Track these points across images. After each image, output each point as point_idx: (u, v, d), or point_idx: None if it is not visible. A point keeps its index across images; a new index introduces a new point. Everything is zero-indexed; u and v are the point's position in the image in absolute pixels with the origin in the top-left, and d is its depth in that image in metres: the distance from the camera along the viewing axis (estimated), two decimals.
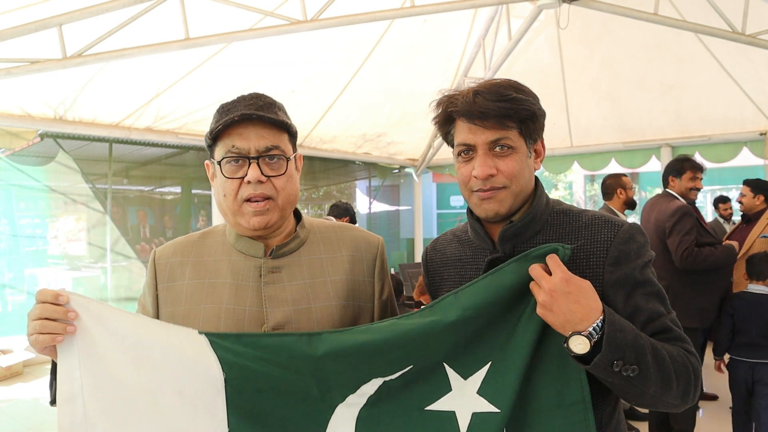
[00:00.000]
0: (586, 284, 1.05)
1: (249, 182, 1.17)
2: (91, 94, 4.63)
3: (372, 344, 1.13)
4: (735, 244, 3.72)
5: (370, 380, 1.15)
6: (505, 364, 1.13)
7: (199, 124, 5.56)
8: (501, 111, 1.14)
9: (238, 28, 3.88)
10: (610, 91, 6.11)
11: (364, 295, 1.31)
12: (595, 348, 1.03)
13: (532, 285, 1.08)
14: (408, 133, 7.14)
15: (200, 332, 1.13)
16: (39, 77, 3.95)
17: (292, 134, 1.26)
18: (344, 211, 4.77)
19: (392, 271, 7.71)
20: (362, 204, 10.73)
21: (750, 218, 4.35)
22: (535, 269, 1.07)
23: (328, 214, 4.78)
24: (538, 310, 1.07)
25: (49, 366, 1.19)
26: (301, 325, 1.22)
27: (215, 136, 1.20)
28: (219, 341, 1.14)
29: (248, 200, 1.19)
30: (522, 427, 1.13)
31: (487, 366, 1.14)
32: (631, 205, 4.32)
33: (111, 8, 3.31)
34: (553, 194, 15.26)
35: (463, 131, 1.20)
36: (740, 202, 4.46)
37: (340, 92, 5.94)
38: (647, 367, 1.03)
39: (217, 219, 5.88)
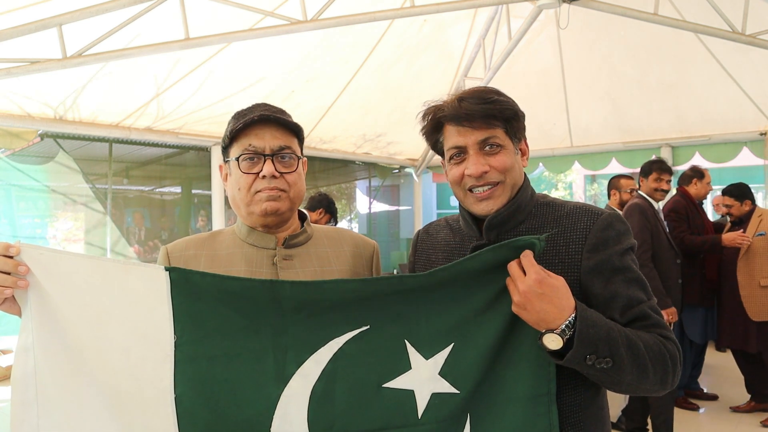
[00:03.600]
0: (559, 283, 1.10)
1: (264, 177, 1.29)
2: (91, 94, 4.62)
3: (334, 299, 1.14)
4: None
5: (326, 342, 1.14)
6: (469, 346, 1.14)
7: (199, 124, 5.56)
8: (486, 111, 1.22)
9: (238, 28, 3.88)
10: (610, 91, 6.10)
11: None
12: (569, 343, 1.07)
13: (508, 282, 1.12)
14: (408, 133, 7.14)
15: (165, 268, 1.12)
16: (39, 77, 3.95)
17: (300, 139, 1.39)
18: (317, 203, 4.38)
19: (394, 271, 7.71)
20: (362, 204, 10.72)
21: (742, 219, 4.40)
22: (513, 268, 1.11)
23: (304, 206, 4.57)
24: (514, 308, 1.12)
25: None
26: None
27: (233, 136, 1.32)
28: (182, 278, 1.12)
29: (260, 192, 1.30)
30: (486, 414, 1.15)
31: (450, 347, 1.15)
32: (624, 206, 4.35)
33: (111, 8, 3.31)
34: (553, 194, 15.25)
35: (452, 135, 1.26)
36: (729, 214, 4.51)
37: (340, 92, 5.94)
38: (621, 359, 1.08)
39: (217, 219, 5.88)
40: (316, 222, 4.28)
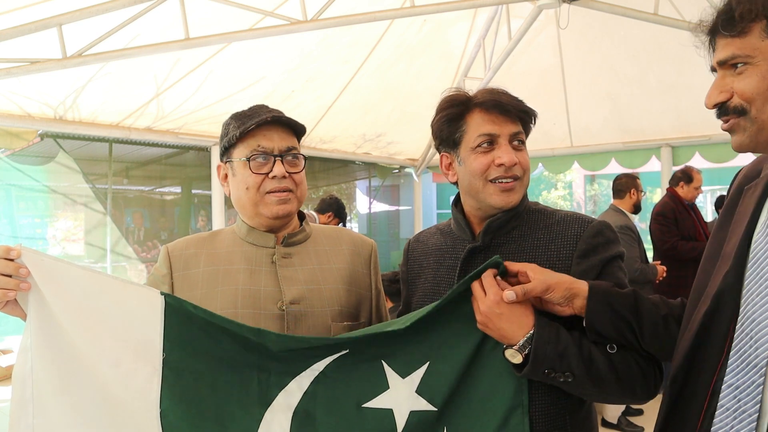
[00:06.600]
0: (517, 303, 1.13)
1: (274, 177, 1.32)
2: (91, 94, 4.62)
3: (316, 341, 1.20)
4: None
5: (308, 367, 1.18)
6: (444, 364, 1.18)
7: (199, 124, 5.56)
8: (520, 107, 1.26)
9: (238, 28, 3.88)
10: (610, 91, 6.10)
11: (363, 284, 1.45)
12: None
13: (472, 301, 1.16)
14: (408, 133, 7.14)
15: (161, 293, 1.15)
16: (39, 77, 3.95)
17: (299, 140, 1.43)
18: (327, 206, 4.54)
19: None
20: (362, 204, 10.73)
21: None
22: (475, 289, 1.15)
23: (314, 208, 4.64)
24: (478, 326, 1.16)
25: None
26: (313, 302, 1.33)
27: (241, 137, 1.34)
28: (175, 304, 1.15)
29: (270, 192, 1.33)
30: (462, 427, 1.18)
31: (426, 365, 1.18)
32: (638, 208, 4.27)
33: (111, 8, 3.31)
34: (553, 194, 15.28)
35: (484, 123, 1.25)
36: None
37: (340, 92, 5.94)
38: (581, 373, 1.11)
39: (217, 219, 5.88)
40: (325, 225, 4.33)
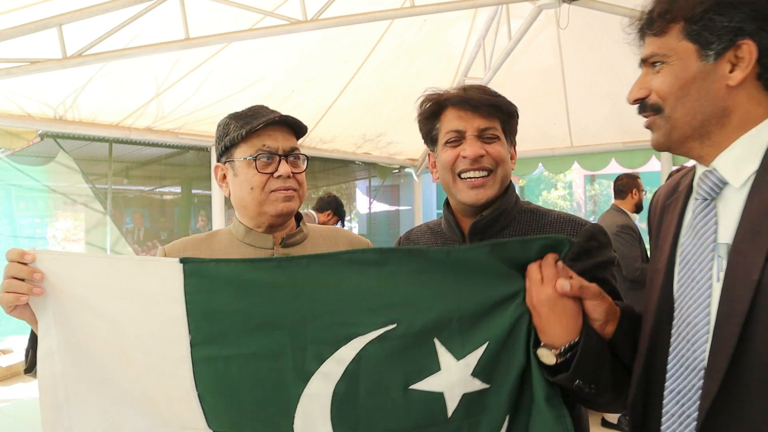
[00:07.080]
0: (573, 304, 1.04)
1: (279, 176, 1.33)
2: (91, 94, 4.62)
3: (353, 281, 1.09)
4: None
5: (349, 341, 1.08)
6: (503, 345, 1.07)
7: (199, 124, 5.56)
8: (490, 101, 1.27)
9: (238, 28, 3.88)
10: (610, 91, 6.10)
11: None
12: (562, 362, 1.05)
13: (527, 280, 1.07)
14: (408, 133, 7.13)
15: (180, 260, 1.11)
16: (39, 77, 3.95)
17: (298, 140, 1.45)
18: (326, 205, 4.50)
19: None
20: (362, 204, 10.72)
21: None
22: (533, 271, 1.05)
23: (312, 207, 4.63)
24: (527, 304, 1.08)
25: None
26: None
27: (245, 136, 1.34)
28: (196, 271, 1.10)
29: (275, 191, 1.34)
30: (520, 413, 1.11)
31: (484, 346, 1.07)
32: (639, 208, 4.28)
33: (111, 8, 3.31)
34: (553, 194, 15.27)
35: (453, 119, 1.29)
36: None
37: (340, 92, 5.94)
38: (606, 385, 1.07)
39: (217, 219, 5.88)
40: (324, 224, 4.31)
